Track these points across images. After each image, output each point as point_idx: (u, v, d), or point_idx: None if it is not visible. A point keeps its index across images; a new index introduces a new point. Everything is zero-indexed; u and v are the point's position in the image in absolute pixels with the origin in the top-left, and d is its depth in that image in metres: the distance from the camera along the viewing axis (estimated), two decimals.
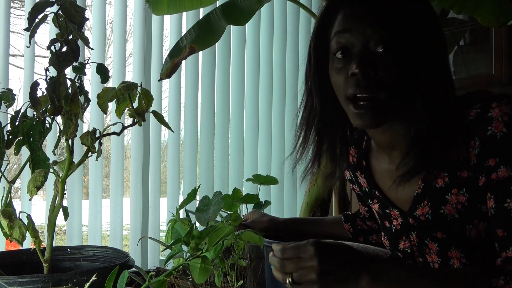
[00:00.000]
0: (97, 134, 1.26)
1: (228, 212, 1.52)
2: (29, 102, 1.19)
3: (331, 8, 0.89)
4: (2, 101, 1.32)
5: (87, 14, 1.25)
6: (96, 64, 1.32)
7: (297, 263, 0.75)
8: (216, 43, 1.75)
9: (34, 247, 1.27)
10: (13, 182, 1.27)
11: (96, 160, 1.31)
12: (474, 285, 0.76)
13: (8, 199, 1.25)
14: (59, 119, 1.27)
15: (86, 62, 1.27)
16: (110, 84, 1.88)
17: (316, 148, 0.95)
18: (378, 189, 0.99)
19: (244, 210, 1.64)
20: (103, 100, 1.27)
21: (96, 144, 1.25)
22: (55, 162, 1.27)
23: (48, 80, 1.18)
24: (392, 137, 0.90)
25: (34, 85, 1.18)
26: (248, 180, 1.80)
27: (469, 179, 0.82)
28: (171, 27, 2.12)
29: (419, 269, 0.85)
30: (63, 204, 1.26)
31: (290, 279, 0.75)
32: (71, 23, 1.19)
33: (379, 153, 0.98)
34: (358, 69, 0.80)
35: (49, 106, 1.18)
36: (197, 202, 1.53)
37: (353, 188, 1.13)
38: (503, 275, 0.73)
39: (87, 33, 1.41)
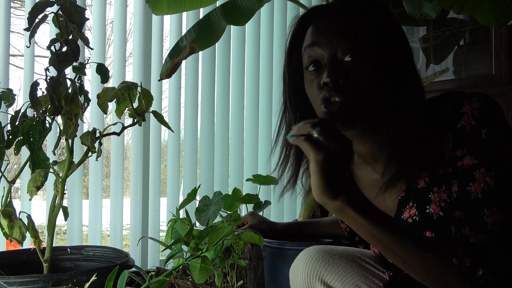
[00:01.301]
0: (97, 134, 1.26)
1: (228, 212, 1.52)
2: (29, 102, 1.19)
3: (300, 25, 0.94)
4: (2, 101, 1.32)
5: (87, 14, 1.25)
6: (96, 64, 1.32)
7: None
8: (216, 43, 1.75)
9: (34, 247, 1.27)
10: (13, 182, 1.27)
11: (96, 160, 1.32)
12: (435, 251, 0.77)
13: (8, 199, 1.25)
14: (59, 119, 1.27)
15: (86, 62, 1.27)
16: (110, 84, 1.88)
17: (294, 165, 0.98)
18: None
19: (244, 210, 1.64)
20: (103, 100, 1.28)
21: (96, 144, 1.25)
22: (55, 162, 1.27)
23: (48, 80, 1.18)
24: (373, 148, 0.93)
25: (34, 85, 1.19)
26: (248, 180, 1.80)
27: (445, 174, 0.85)
28: (171, 27, 2.12)
29: (392, 219, 0.87)
30: (63, 204, 1.26)
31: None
32: (71, 23, 1.19)
33: (363, 164, 1.01)
34: (329, 77, 0.84)
35: (49, 106, 1.18)
36: (197, 202, 1.53)
37: None
38: (461, 248, 0.75)
39: (87, 33, 1.41)
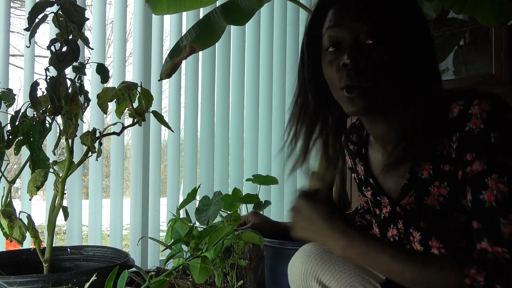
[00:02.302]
0: (97, 134, 1.26)
1: (228, 212, 1.52)
2: (29, 102, 1.19)
3: (322, 6, 0.93)
4: (2, 101, 1.32)
5: (87, 14, 1.25)
6: (96, 64, 1.33)
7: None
8: (216, 43, 1.75)
9: (34, 247, 1.27)
10: (13, 182, 1.27)
11: (96, 160, 1.32)
12: (441, 272, 0.78)
13: (8, 199, 1.25)
14: (59, 119, 1.27)
15: (86, 62, 1.27)
16: (110, 84, 1.88)
17: (306, 140, 0.98)
18: (372, 177, 1.03)
19: (244, 210, 1.64)
20: (103, 100, 1.28)
21: (96, 144, 1.25)
22: (55, 162, 1.27)
23: (48, 80, 1.18)
24: (385, 130, 0.93)
25: (34, 85, 1.19)
26: (248, 180, 1.80)
27: (450, 172, 0.85)
28: (171, 27, 2.12)
29: (394, 247, 0.88)
30: (63, 204, 1.26)
31: None
32: (71, 23, 1.19)
33: (375, 143, 1.02)
34: (349, 59, 0.84)
35: (49, 106, 1.18)
36: (197, 202, 1.53)
37: (354, 177, 1.14)
38: (475, 265, 0.75)
39: (87, 33, 1.41)
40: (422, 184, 0.89)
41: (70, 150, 1.25)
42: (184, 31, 1.90)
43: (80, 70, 1.25)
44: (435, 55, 0.89)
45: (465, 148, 0.80)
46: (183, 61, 1.70)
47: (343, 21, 0.87)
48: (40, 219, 2.12)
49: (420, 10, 0.90)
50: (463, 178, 0.82)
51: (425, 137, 0.85)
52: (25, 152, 1.49)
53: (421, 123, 0.85)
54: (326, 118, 0.97)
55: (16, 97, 1.34)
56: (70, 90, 1.22)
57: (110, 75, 1.34)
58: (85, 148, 1.26)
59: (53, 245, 1.28)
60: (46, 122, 1.28)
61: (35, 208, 2.01)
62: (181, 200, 1.70)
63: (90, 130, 1.26)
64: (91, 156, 1.28)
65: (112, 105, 1.35)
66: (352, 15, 0.86)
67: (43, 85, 1.19)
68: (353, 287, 1.03)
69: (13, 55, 4.98)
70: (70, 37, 1.20)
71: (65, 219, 1.32)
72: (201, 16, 1.86)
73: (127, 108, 1.31)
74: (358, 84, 0.84)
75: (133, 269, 1.56)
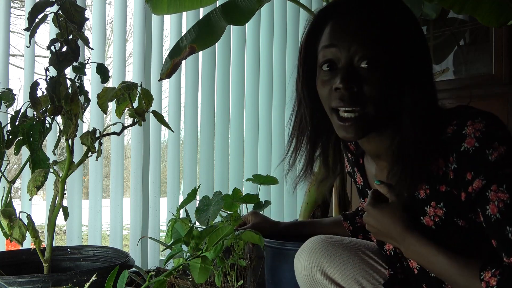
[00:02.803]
0: (97, 134, 1.26)
1: (228, 212, 1.52)
2: (29, 102, 1.19)
3: (319, 21, 0.91)
4: (2, 101, 1.32)
5: (87, 14, 1.25)
6: (96, 64, 1.32)
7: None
8: (216, 43, 1.75)
9: (34, 247, 1.27)
10: (13, 182, 1.27)
11: (96, 160, 1.32)
12: (467, 271, 0.80)
13: (8, 199, 1.25)
14: (59, 119, 1.27)
15: (86, 62, 1.27)
16: (110, 84, 1.88)
17: (308, 154, 0.98)
18: (369, 189, 1.03)
19: (244, 210, 1.64)
20: (103, 100, 1.28)
21: (96, 144, 1.25)
22: (55, 162, 1.27)
23: (48, 80, 1.18)
24: (378, 148, 0.93)
25: (34, 85, 1.19)
26: (248, 180, 1.80)
27: (446, 193, 0.84)
28: (171, 27, 2.12)
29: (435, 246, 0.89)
30: (63, 204, 1.26)
31: None
32: (71, 23, 1.19)
33: (369, 156, 1.02)
34: (342, 83, 0.83)
35: (49, 106, 1.18)
36: (197, 202, 1.53)
37: (354, 182, 1.15)
38: (494, 269, 0.77)
39: (87, 33, 1.41)
40: (419, 204, 0.89)
41: (70, 150, 1.25)
42: (184, 31, 1.90)
43: (80, 70, 1.25)
44: (431, 72, 0.89)
45: (464, 168, 0.80)
46: (183, 61, 1.70)
47: (339, 42, 0.85)
48: (40, 219, 2.12)
49: (419, 27, 0.88)
50: (467, 199, 0.81)
51: (420, 158, 0.84)
52: (25, 152, 1.49)
53: (417, 145, 0.84)
54: (324, 130, 0.97)
55: (16, 97, 1.34)
56: (70, 90, 1.21)
57: (110, 75, 1.34)
58: (85, 148, 1.26)
59: (53, 245, 1.28)
60: (46, 122, 1.28)
61: (35, 208, 2.01)
62: (181, 200, 1.70)
63: (90, 130, 1.26)
64: (91, 156, 1.28)
65: (112, 105, 1.34)
66: (348, 36, 0.85)
67: (43, 85, 1.19)
68: (356, 280, 1.03)
69: (13, 55, 4.98)
70: (70, 37, 1.20)
71: (65, 219, 1.32)
72: (201, 16, 1.86)
73: (127, 108, 1.31)
74: (350, 108, 0.84)
75: (133, 269, 1.56)
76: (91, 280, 1.09)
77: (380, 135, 0.90)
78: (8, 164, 1.32)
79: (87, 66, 1.28)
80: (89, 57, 1.75)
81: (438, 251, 0.84)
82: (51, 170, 1.26)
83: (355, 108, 0.84)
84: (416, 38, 0.87)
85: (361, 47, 0.83)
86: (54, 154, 1.35)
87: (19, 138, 1.27)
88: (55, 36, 1.21)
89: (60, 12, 1.19)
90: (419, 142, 0.83)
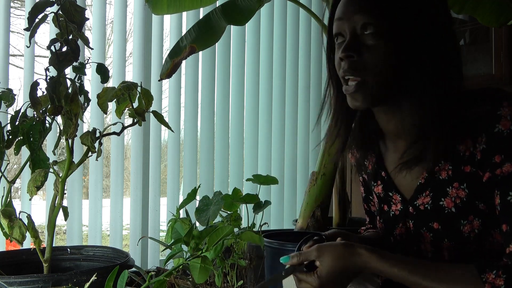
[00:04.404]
0: (97, 134, 1.26)
1: (228, 212, 1.52)
2: (29, 102, 1.19)
3: (336, 1, 0.92)
4: (2, 101, 1.32)
5: (87, 14, 1.25)
6: (96, 64, 1.32)
7: None
8: (216, 43, 1.75)
9: (34, 247, 1.27)
10: (13, 182, 1.27)
11: (96, 160, 1.31)
12: (462, 279, 0.77)
13: (8, 199, 1.25)
14: (59, 119, 1.27)
15: (86, 62, 1.27)
16: (110, 84, 1.88)
17: (344, 130, 0.98)
18: (385, 170, 1.00)
19: (244, 210, 1.64)
20: (103, 100, 1.27)
21: (96, 144, 1.25)
22: (55, 162, 1.27)
23: (48, 80, 1.18)
24: (399, 126, 0.91)
25: (34, 85, 1.18)
26: (248, 180, 1.80)
27: (471, 174, 0.83)
28: (171, 27, 2.12)
29: (410, 263, 0.85)
30: (63, 204, 1.26)
31: None
32: (71, 23, 1.19)
33: (388, 138, 1.00)
34: (344, 52, 0.84)
35: (49, 106, 1.18)
36: (197, 202, 1.53)
37: (361, 178, 1.12)
38: (495, 269, 0.75)
39: (87, 33, 1.41)
40: (440, 185, 0.87)
41: (70, 150, 1.25)
42: (184, 31, 1.90)
43: (80, 70, 1.25)
44: (453, 48, 0.85)
45: (494, 149, 0.78)
46: (183, 61, 1.70)
47: (344, 14, 0.87)
48: (40, 219, 2.12)
49: (440, 2, 0.85)
50: (490, 180, 0.80)
51: (445, 137, 0.82)
52: (25, 152, 1.48)
53: (436, 122, 0.82)
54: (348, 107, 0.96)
55: (16, 97, 1.34)
56: (70, 90, 1.21)
57: (110, 75, 1.34)
58: (85, 148, 1.26)
59: (53, 245, 1.28)
60: (46, 122, 1.28)
61: (35, 208, 2.01)
62: (181, 200, 1.70)
63: (90, 130, 1.26)
64: (91, 156, 1.28)
65: (112, 105, 1.34)
66: (352, 7, 0.86)
67: (43, 85, 1.18)
68: None
69: (13, 55, 4.98)
70: (70, 37, 1.20)
71: (65, 219, 1.32)
72: (201, 16, 1.86)
73: (127, 108, 1.31)
74: (351, 76, 0.84)
75: (133, 269, 1.56)
76: (91, 280, 1.09)
77: (399, 113, 0.88)
78: (8, 164, 1.32)
79: (87, 66, 1.27)
80: (89, 57, 1.75)
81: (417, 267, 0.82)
82: (51, 170, 1.26)
83: (355, 75, 0.84)
84: (431, 10, 0.84)
85: (363, 15, 0.83)
86: (54, 154, 1.35)
87: (19, 138, 1.27)
88: (55, 36, 1.21)
89: (60, 12, 1.19)
90: (443, 119, 0.81)
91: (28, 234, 1.23)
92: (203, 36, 1.66)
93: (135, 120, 1.30)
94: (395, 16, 0.82)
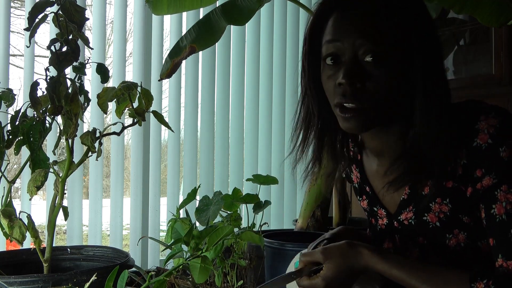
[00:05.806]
0: (97, 134, 1.26)
1: (228, 212, 1.52)
2: (29, 102, 1.19)
3: (323, 12, 0.88)
4: (2, 101, 1.32)
5: (87, 14, 1.25)
6: (96, 64, 1.32)
7: None
8: (216, 43, 1.74)
9: (34, 247, 1.27)
10: (13, 182, 1.27)
11: (96, 160, 1.31)
12: (452, 285, 0.77)
13: (8, 199, 1.25)
14: (59, 119, 1.27)
15: (86, 62, 1.27)
16: (110, 84, 1.88)
17: (316, 148, 0.95)
18: (368, 185, 1.00)
19: (244, 210, 1.64)
20: (103, 100, 1.27)
21: (96, 144, 1.25)
22: (55, 162, 1.27)
23: (48, 80, 1.18)
24: (383, 144, 0.91)
25: (34, 85, 1.18)
26: (248, 180, 1.80)
27: (453, 189, 0.83)
28: (171, 27, 2.12)
29: (407, 264, 0.85)
30: (63, 204, 1.26)
31: None
32: (71, 23, 1.19)
33: (370, 152, 0.99)
34: (345, 79, 0.80)
35: (49, 106, 1.18)
36: (197, 202, 1.53)
37: (349, 181, 1.13)
38: (486, 279, 0.74)
39: (87, 33, 1.41)
40: (423, 200, 0.87)
41: (70, 150, 1.25)
42: (184, 31, 1.90)
43: (80, 70, 1.25)
44: (443, 67, 0.85)
45: (474, 164, 0.78)
46: (183, 61, 1.70)
47: (343, 36, 0.82)
48: (40, 219, 2.12)
49: (429, 19, 0.84)
50: (473, 195, 0.80)
51: (431, 153, 0.81)
52: (25, 152, 1.48)
53: (423, 141, 0.81)
54: (332, 122, 0.93)
55: (16, 97, 1.34)
56: (70, 90, 1.21)
57: (110, 75, 1.34)
58: (85, 148, 1.26)
59: (53, 245, 1.28)
60: (46, 122, 1.28)
61: (35, 208, 2.01)
62: (181, 200, 1.70)
63: (90, 130, 1.26)
64: (91, 156, 1.28)
65: (112, 105, 1.34)
66: (352, 30, 0.81)
67: (43, 85, 1.18)
68: None
69: (13, 55, 4.97)
70: (70, 37, 1.20)
71: (65, 219, 1.32)
72: (201, 16, 1.86)
73: (127, 108, 1.31)
74: (352, 104, 0.81)
75: (133, 269, 1.56)
76: (91, 280, 1.09)
77: (386, 131, 0.88)
78: (8, 164, 1.32)
79: (87, 66, 1.27)
80: (89, 57, 1.75)
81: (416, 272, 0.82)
82: (51, 170, 1.26)
83: (357, 104, 0.81)
84: (426, 31, 0.83)
85: (366, 41, 0.80)
86: (54, 154, 1.35)
87: (19, 138, 1.27)
88: (55, 36, 1.21)
89: (60, 12, 1.19)
90: (437, 138, 0.80)
91: (28, 234, 1.23)
92: (203, 36, 1.66)
93: (135, 120, 1.30)
94: (398, 41, 0.80)
